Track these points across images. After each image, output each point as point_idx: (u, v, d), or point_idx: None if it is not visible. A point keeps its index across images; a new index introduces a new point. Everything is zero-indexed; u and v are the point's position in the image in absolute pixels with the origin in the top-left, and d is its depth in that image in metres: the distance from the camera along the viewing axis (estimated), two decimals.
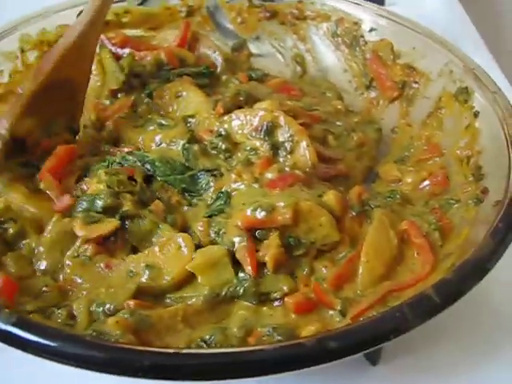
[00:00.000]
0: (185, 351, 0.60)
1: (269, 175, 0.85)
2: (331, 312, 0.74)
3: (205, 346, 0.70)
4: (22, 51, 1.05)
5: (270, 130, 0.89)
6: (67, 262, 0.79)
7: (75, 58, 0.93)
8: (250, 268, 0.76)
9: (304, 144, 0.88)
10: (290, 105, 0.96)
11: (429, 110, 1.03)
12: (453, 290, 0.66)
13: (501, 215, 0.74)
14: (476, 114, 0.94)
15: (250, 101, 0.97)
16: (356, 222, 0.83)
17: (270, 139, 0.89)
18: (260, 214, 0.78)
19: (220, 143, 0.90)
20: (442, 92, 1.01)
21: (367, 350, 0.62)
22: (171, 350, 0.60)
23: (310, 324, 0.71)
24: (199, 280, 0.76)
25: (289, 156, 0.88)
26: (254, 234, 0.79)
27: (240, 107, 0.95)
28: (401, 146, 1.03)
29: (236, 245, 0.77)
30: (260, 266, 0.77)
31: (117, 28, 1.14)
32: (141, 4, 1.16)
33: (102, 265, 0.79)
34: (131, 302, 0.73)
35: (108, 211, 0.82)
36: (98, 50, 1.08)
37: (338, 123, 1.01)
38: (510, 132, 0.86)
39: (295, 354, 0.59)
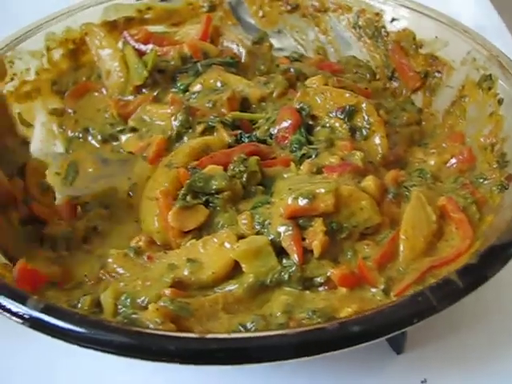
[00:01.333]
0: (208, 336, 0.61)
1: (332, 160, 0.86)
2: (374, 290, 0.74)
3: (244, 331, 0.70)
4: (48, 49, 1.07)
5: (351, 113, 0.92)
6: (111, 251, 0.80)
7: None
8: (296, 256, 0.76)
9: (379, 135, 0.91)
10: (340, 79, 0.99)
11: (452, 99, 1.02)
12: (476, 274, 0.66)
13: None
14: (500, 101, 0.92)
15: (300, 78, 1.01)
16: (394, 204, 0.83)
17: (349, 121, 0.92)
18: (302, 202, 0.78)
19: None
20: (465, 80, 1.00)
21: (391, 335, 0.62)
22: (195, 335, 0.61)
23: (350, 305, 0.71)
24: (244, 268, 0.75)
25: (363, 142, 0.91)
26: (298, 222, 0.78)
27: (291, 87, 0.99)
28: (424, 134, 1.03)
29: (282, 234, 0.77)
30: (304, 253, 0.77)
31: (139, 24, 1.15)
32: (163, 0, 1.18)
33: (144, 256, 0.80)
34: (168, 291, 0.73)
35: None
36: (120, 46, 1.12)
37: (388, 100, 1.04)
38: None
39: (317, 339, 0.59)
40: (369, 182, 0.84)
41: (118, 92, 1.07)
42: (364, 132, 0.92)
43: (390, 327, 0.62)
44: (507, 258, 0.68)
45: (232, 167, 0.85)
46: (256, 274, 0.75)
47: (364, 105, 0.92)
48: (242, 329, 0.70)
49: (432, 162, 0.94)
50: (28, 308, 0.64)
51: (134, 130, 0.97)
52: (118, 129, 0.99)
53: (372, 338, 0.61)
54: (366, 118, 0.92)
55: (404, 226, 0.79)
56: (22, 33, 1.04)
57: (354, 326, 0.60)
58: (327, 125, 0.92)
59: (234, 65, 1.07)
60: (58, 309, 0.65)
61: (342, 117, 0.92)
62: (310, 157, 0.88)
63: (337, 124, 0.92)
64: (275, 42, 1.19)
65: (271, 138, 0.93)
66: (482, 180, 0.88)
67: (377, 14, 1.13)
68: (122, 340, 0.61)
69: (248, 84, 1.02)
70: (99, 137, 1.01)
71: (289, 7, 1.19)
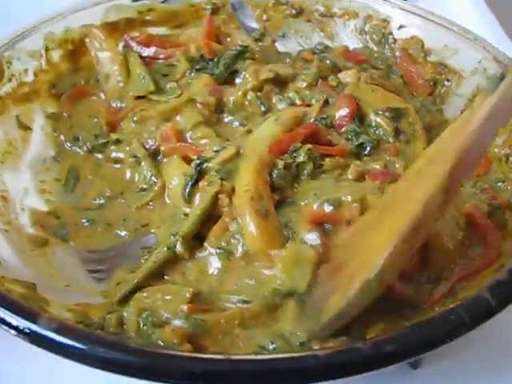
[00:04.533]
0: (235, 357, 0.58)
1: (376, 166, 0.85)
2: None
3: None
4: (47, 50, 1.02)
5: (398, 116, 0.92)
6: None
7: None
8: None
9: (421, 144, 0.91)
10: (373, 77, 0.99)
11: (462, 108, 1.00)
12: (508, 291, 0.64)
13: None
14: None
15: (334, 70, 1.00)
16: None
17: (396, 122, 0.91)
18: (328, 209, 0.76)
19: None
20: (476, 90, 0.99)
21: (424, 354, 0.60)
22: (222, 356, 0.58)
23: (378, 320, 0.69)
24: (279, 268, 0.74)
25: (405, 144, 0.90)
26: (324, 227, 0.77)
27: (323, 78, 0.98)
28: None
29: (308, 242, 0.75)
30: None
31: (140, 26, 1.12)
32: (164, 1, 1.14)
33: None
34: (185, 307, 0.70)
35: None
36: (121, 49, 1.08)
37: (414, 100, 1.02)
38: None
39: (352, 359, 0.57)
40: None
41: (116, 97, 1.03)
42: (408, 136, 0.91)
43: (424, 346, 0.59)
44: None
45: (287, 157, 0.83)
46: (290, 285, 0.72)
47: (412, 112, 0.93)
48: (261, 351, 0.67)
49: None
50: (39, 327, 0.60)
51: (118, 141, 0.94)
52: (101, 141, 0.95)
53: (406, 357, 0.59)
54: (411, 124, 0.92)
55: (434, 233, 0.77)
56: (21, 32, 0.99)
57: (387, 345, 0.58)
58: (373, 123, 0.91)
59: (247, 52, 1.02)
60: (71, 328, 0.61)
61: (389, 116, 0.92)
62: (365, 149, 0.88)
63: (383, 122, 0.91)
64: (279, 46, 1.16)
65: (325, 122, 0.91)
66: (500, 184, 0.87)
67: (384, 21, 1.11)
68: (143, 362, 0.57)
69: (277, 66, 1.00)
70: (84, 147, 0.97)
71: (293, 11, 1.17)
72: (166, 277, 0.78)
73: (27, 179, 0.92)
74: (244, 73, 0.96)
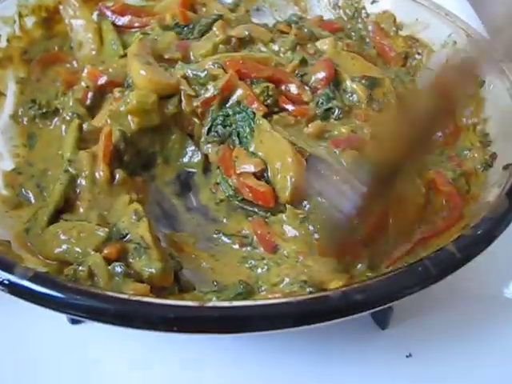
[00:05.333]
0: (208, 304, 0.59)
1: (343, 130, 0.86)
2: (360, 265, 0.74)
3: None
4: (20, 16, 1.02)
5: (374, 85, 0.93)
6: None
7: None
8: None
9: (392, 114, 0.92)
10: (349, 44, 1.02)
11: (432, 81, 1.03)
12: (472, 245, 0.67)
13: None
14: (481, 84, 0.94)
15: (312, 38, 1.02)
16: None
17: (371, 90, 0.93)
18: None
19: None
20: (446, 62, 1.01)
21: (391, 303, 0.62)
22: (195, 304, 0.59)
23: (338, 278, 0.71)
24: None
25: (376, 112, 0.91)
26: None
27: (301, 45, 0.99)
28: None
29: None
30: None
31: None
32: None
33: None
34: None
35: None
36: (95, 17, 1.07)
37: (389, 71, 1.04)
38: None
39: (321, 307, 0.59)
40: (345, 155, 0.84)
41: (88, 65, 1.02)
42: (380, 105, 0.93)
43: (391, 295, 0.61)
44: (500, 230, 0.69)
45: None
46: None
47: (387, 81, 0.95)
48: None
49: None
50: (16, 276, 0.61)
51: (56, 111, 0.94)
52: (43, 111, 0.95)
53: (373, 306, 0.61)
54: (385, 95, 0.94)
55: (394, 199, 0.79)
56: None
57: (356, 294, 0.60)
58: (348, 88, 0.93)
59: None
60: (49, 278, 0.62)
61: (365, 84, 0.93)
62: (333, 113, 0.89)
63: (358, 89, 0.93)
64: (254, 20, 1.16)
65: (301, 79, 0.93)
66: (466, 152, 0.89)
67: None
68: (120, 309, 0.58)
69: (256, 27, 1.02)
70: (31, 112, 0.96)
71: None
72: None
73: (0, 144, 0.92)
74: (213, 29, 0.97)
